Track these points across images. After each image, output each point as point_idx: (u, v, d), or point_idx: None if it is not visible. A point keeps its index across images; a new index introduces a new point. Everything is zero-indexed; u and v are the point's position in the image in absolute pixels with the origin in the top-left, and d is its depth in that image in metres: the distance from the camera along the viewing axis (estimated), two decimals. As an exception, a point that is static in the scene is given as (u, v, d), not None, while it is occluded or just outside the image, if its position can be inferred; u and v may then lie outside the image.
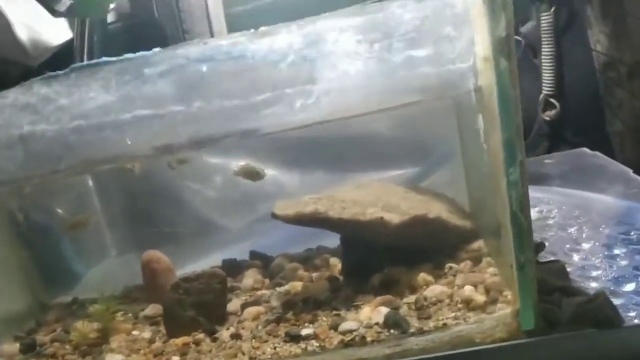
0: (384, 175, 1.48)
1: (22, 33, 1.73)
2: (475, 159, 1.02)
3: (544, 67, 1.86)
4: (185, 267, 1.32)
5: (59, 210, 1.59)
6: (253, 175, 1.15)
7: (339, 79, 0.82)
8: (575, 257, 1.09)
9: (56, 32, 1.81)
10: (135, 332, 1.05)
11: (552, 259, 1.04)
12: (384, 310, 0.90)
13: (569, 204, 1.34)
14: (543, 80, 1.87)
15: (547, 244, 1.14)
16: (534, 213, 1.31)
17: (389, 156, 1.51)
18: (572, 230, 1.20)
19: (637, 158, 1.74)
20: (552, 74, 1.85)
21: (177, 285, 1.00)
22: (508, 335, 0.83)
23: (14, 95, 0.84)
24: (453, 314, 0.86)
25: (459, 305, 0.88)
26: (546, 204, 1.36)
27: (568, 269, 1.00)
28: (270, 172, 1.66)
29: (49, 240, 1.52)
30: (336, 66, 0.82)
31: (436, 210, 1.05)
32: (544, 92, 1.88)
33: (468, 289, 0.90)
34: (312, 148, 1.59)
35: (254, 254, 1.30)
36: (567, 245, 1.13)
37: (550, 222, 1.26)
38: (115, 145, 0.83)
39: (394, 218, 0.99)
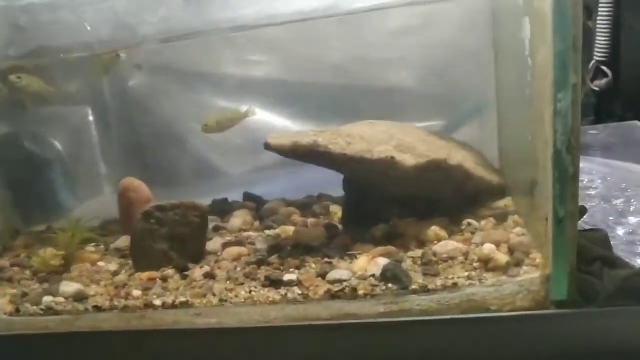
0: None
1: None
2: (511, 95, 0.85)
3: (598, 30, 1.65)
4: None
5: (54, 142, 1.50)
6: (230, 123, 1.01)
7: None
8: (620, 231, 0.92)
9: None
10: (100, 263, 0.93)
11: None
12: (383, 261, 0.75)
13: (615, 176, 1.16)
14: (596, 45, 1.67)
15: (586, 216, 0.98)
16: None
17: (412, 108, 1.34)
18: (617, 202, 1.03)
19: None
20: (607, 38, 1.64)
21: (149, 214, 0.86)
22: (532, 305, 0.67)
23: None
24: (466, 273, 0.71)
25: (475, 264, 0.73)
26: (587, 174, 1.18)
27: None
28: (283, 122, 1.52)
29: (38, 169, 1.43)
30: None
31: (459, 157, 0.88)
32: (595, 58, 1.67)
33: (487, 247, 0.74)
34: (329, 98, 1.44)
35: (247, 196, 1.17)
36: (611, 218, 0.97)
37: (592, 192, 1.09)
38: (74, 31, 0.69)
39: (407, 159, 0.83)
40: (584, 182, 1.14)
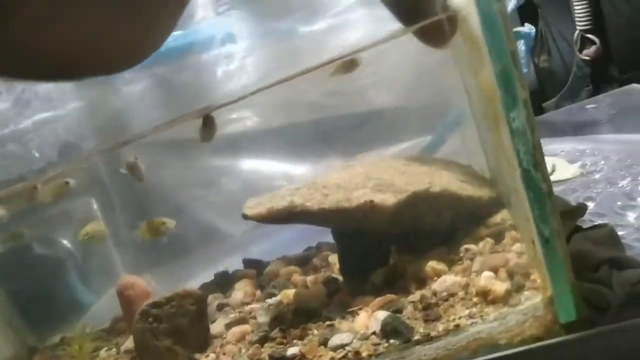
0: (400, 148, 1.29)
1: None
2: (477, 115, 0.81)
3: (575, 1, 1.60)
4: (196, 278, 1.20)
5: (63, 241, 1.52)
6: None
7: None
8: (630, 216, 0.87)
9: None
10: (114, 369, 0.92)
11: (598, 222, 0.82)
12: (382, 315, 0.72)
13: (620, 152, 1.10)
14: (575, 15, 1.61)
15: (592, 204, 0.93)
16: (574, 169, 1.08)
17: (399, 128, 1.32)
18: (624, 182, 0.97)
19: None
20: (586, 6, 1.59)
21: (145, 313, 0.85)
22: (543, 332, 0.63)
23: None
24: (467, 311, 0.67)
25: (475, 300, 0.69)
26: (590, 156, 1.13)
27: (620, 233, 0.78)
28: (282, 167, 1.53)
29: (49, 272, 1.44)
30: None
31: (443, 181, 0.85)
32: (578, 28, 1.62)
33: (485, 277, 0.70)
34: (320, 134, 1.45)
35: (247, 262, 1.15)
36: (619, 203, 0.91)
37: (597, 176, 1.04)
38: (24, 160, 0.69)
39: (387, 199, 0.80)
40: (588, 167, 1.09)
